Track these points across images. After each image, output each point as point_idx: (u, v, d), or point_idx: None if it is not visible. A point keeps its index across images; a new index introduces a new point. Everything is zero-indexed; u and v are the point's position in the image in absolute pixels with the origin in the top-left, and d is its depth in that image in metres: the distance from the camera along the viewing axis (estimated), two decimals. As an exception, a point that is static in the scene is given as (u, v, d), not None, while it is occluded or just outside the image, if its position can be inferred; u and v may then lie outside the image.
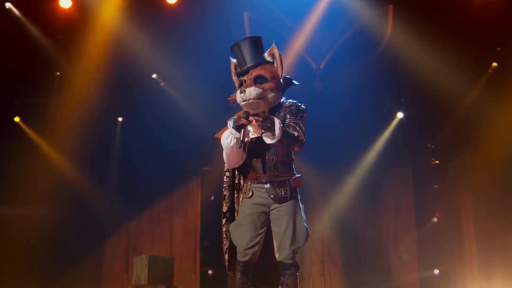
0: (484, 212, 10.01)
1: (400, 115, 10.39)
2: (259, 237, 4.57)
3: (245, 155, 4.62)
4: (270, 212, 4.62)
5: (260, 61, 4.61)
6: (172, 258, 9.24)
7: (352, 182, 10.42)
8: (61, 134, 10.09)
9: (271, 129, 4.35)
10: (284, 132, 4.39)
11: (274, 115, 4.50)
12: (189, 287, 10.32)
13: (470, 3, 8.75)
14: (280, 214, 4.58)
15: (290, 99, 4.74)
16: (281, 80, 4.66)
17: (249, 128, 4.59)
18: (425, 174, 10.58)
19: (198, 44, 9.21)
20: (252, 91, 4.50)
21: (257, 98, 4.51)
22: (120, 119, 10.73)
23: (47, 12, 8.96)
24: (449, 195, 10.45)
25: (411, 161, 10.63)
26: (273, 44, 4.67)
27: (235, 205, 4.77)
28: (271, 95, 4.56)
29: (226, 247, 4.75)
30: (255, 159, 4.61)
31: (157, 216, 10.73)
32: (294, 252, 4.54)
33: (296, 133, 4.50)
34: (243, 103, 4.55)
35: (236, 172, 4.79)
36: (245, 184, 4.69)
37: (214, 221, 9.43)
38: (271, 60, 4.65)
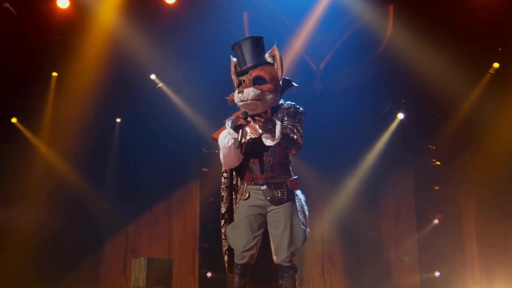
0: (485, 214, 9.98)
1: (400, 116, 10.36)
2: (256, 239, 4.53)
3: (241, 156, 4.59)
4: (267, 214, 4.59)
5: (260, 62, 4.58)
6: (171, 260, 9.18)
7: (352, 183, 10.40)
8: (59, 135, 10.06)
9: (272, 131, 4.33)
10: (284, 135, 4.36)
11: (272, 116, 4.47)
12: (188, 289, 10.30)
13: (471, 3, 8.70)
14: (277, 216, 4.55)
15: (290, 100, 4.71)
16: (280, 82, 4.63)
17: (246, 129, 4.56)
18: (426, 176, 10.55)
19: (197, 45, 9.18)
20: (250, 92, 4.47)
21: (255, 99, 4.48)
22: (118, 120, 10.69)
23: (45, 12, 8.90)
24: (450, 197, 10.43)
25: (412, 162, 10.61)
26: (275, 46, 4.65)
27: (234, 206, 4.74)
28: (269, 96, 4.52)
29: (225, 249, 4.73)
30: (251, 160, 4.58)
31: (155, 218, 10.70)
32: (292, 255, 4.51)
33: (294, 136, 4.47)
34: (241, 103, 4.52)
35: (234, 173, 4.76)
36: (241, 186, 4.66)
37: (213, 223, 9.58)
38: (272, 62, 4.63)
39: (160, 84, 10.09)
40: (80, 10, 8.91)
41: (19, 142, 10.17)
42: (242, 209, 4.59)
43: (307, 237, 4.58)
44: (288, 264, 4.50)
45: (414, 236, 10.42)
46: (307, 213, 4.71)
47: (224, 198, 4.74)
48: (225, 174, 4.76)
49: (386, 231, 10.62)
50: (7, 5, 8.53)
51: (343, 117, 9.66)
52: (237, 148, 4.43)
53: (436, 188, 10.55)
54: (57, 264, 9.89)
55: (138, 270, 8.22)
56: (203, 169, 10.59)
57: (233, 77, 4.73)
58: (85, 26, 9.05)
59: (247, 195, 4.58)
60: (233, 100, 4.63)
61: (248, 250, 4.50)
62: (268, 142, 4.41)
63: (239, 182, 4.72)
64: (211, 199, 10.02)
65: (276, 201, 4.55)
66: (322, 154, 9.70)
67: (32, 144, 10.22)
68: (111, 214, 10.50)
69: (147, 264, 8.14)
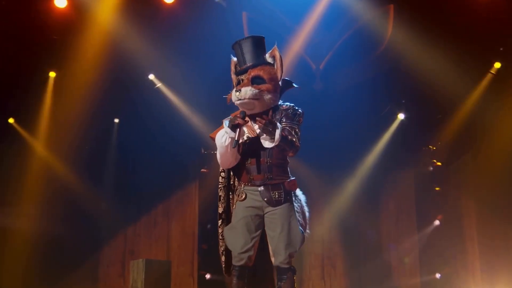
0: (487, 215, 9.95)
1: (401, 116, 10.34)
2: (253, 241, 4.50)
3: (239, 156, 4.56)
4: (264, 215, 4.55)
5: (260, 62, 4.56)
6: (170, 261, 9.06)
7: (353, 184, 10.36)
8: (56, 135, 10.04)
9: (271, 133, 4.32)
10: (282, 137, 4.34)
11: (272, 117, 4.44)
12: (187, 291, 10.27)
13: (472, 2, 8.66)
14: (274, 218, 4.51)
15: (289, 101, 4.69)
16: (279, 82, 4.61)
17: (244, 128, 4.54)
18: (427, 176, 10.53)
19: (196, 44, 9.15)
20: (247, 91, 4.45)
21: (252, 98, 4.46)
22: (116, 120, 10.67)
23: (42, 11, 8.85)
24: (451, 198, 10.41)
25: (412, 162, 10.58)
26: (275, 46, 4.63)
27: (230, 207, 4.71)
28: (267, 96, 4.50)
29: (222, 249, 4.70)
30: (249, 161, 4.55)
31: (154, 219, 10.68)
32: (290, 256, 4.48)
33: (293, 139, 4.45)
34: (238, 102, 4.50)
35: (231, 173, 4.73)
36: (238, 186, 4.63)
37: (212, 224, 9.58)
38: (272, 62, 4.61)
39: (159, 84, 10.06)
40: (77, 9, 8.86)
41: (16, 142, 10.11)
42: (239, 210, 4.56)
43: (305, 239, 4.55)
44: (286, 266, 4.46)
45: (414, 237, 10.40)
46: (307, 214, 4.69)
47: (221, 198, 4.70)
48: (222, 174, 4.72)
49: (386, 232, 10.60)
50: None
51: (343, 117, 9.63)
52: (233, 148, 4.41)
53: (436, 188, 10.54)
54: (55, 265, 9.86)
55: (137, 271, 8.12)
56: (202, 169, 10.55)
57: (233, 76, 4.72)
58: (83, 26, 9.01)
59: (243, 196, 4.55)
60: (231, 100, 4.61)
61: (246, 251, 4.47)
62: (266, 144, 4.42)
63: (236, 182, 4.69)
64: (209, 226, 10.03)
65: (273, 203, 4.51)
66: (322, 154, 9.69)
67: (30, 145, 10.18)
68: (109, 215, 10.47)
69: (146, 265, 8.03)
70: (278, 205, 4.51)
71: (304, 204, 4.68)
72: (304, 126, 4.63)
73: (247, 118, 4.48)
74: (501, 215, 9.75)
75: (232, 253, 4.52)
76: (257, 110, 4.51)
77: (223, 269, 4.73)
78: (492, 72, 9.56)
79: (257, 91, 4.46)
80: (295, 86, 4.75)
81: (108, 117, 10.50)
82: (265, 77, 4.51)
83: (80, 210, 10.14)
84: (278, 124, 4.37)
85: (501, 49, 9.29)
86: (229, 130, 4.42)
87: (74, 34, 9.05)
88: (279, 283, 4.48)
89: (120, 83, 9.70)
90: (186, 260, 10.41)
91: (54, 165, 10.20)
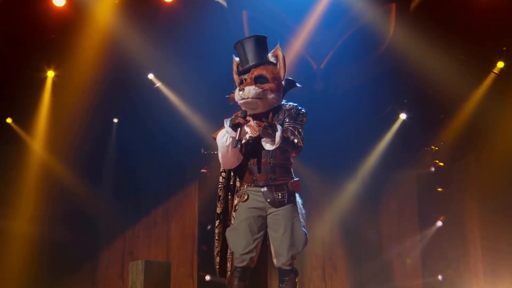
0: (489, 217, 9.91)
1: (403, 116, 10.33)
2: (256, 242, 4.49)
3: (241, 156, 4.55)
4: (267, 216, 4.54)
5: (262, 61, 4.58)
6: (169, 262, 9.08)
7: (354, 184, 10.36)
8: (55, 136, 9.98)
9: (272, 136, 4.33)
10: (284, 138, 4.35)
11: (273, 118, 4.46)
12: (186, 292, 10.26)
13: (476, 1, 8.62)
14: (277, 219, 4.51)
15: (290, 100, 4.68)
16: (282, 82, 4.61)
17: (247, 129, 4.53)
18: (429, 177, 10.52)
19: (196, 44, 9.12)
20: (251, 90, 4.45)
21: (255, 98, 4.46)
22: (115, 120, 10.62)
23: (40, 10, 8.79)
24: (453, 199, 10.40)
25: (414, 163, 10.55)
26: (278, 45, 4.65)
27: (229, 207, 4.70)
28: (270, 96, 4.50)
29: (217, 250, 4.70)
30: (251, 161, 4.53)
31: (153, 220, 10.63)
32: (293, 258, 4.47)
33: (295, 139, 4.42)
34: (241, 101, 4.50)
35: (232, 174, 4.71)
36: (241, 187, 4.62)
37: (212, 225, 9.53)
38: (274, 61, 4.62)
39: (158, 84, 10.03)
40: (76, 8, 8.80)
41: (14, 143, 10.06)
42: (241, 211, 4.55)
43: (308, 240, 4.54)
44: (288, 268, 4.45)
45: (416, 239, 10.39)
46: (304, 216, 4.67)
47: (220, 198, 4.69)
48: (223, 174, 4.71)
49: (387, 233, 10.59)
50: None
51: (344, 117, 9.62)
52: (234, 147, 4.40)
53: (439, 189, 10.53)
54: (54, 267, 9.81)
55: (136, 273, 8.12)
56: (202, 170, 10.53)
57: (235, 76, 4.72)
58: (82, 24, 8.95)
59: (246, 197, 4.54)
60: (234, 100, 4.61)
61: (248, 253, 4.45)
62: (267, 146, 4.43)
63: (237, 183, 4.68)
64: (209, 227, 10.02)
65: (276, 203, 4.50)
66: (323, 154, 9.66)
67: (28, 145, 10.13)
68: (108, 215, 10.44)
69: (145, 266, 8.03)
70: (281, 206, 4.50)
71: (301, 206, 4.68)
72: (305, 126, 4.62)
73: (248, 118, 4.49)
74: (504, 217, 9.71)
75: (234, 254, 4.51)
76: (260, 109, 4.51)
77: (217, 270, 4.73)
78: (495, 71, 9.53)
79: (260, 90, 4.45)
80: (298, 85, 4.75)
81: (107, 117, 10.46)
82: (268, 76, 4.51)
83: (78, 210, 10.10)
84: (278, 126, 4.36)
85: (504, 48, 9.26)
86: (230, 129, 4.42)
87: (72, 33, 9.00)
88: (280, 285, 4.47)
89: (119, 83, 9.67)
90: (185, 261, 10.38)
91: (52, 165, 10.14)
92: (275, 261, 4.50)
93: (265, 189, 4.50)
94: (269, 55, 4.64)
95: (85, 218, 10.22)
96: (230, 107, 4.78)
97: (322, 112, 8.89)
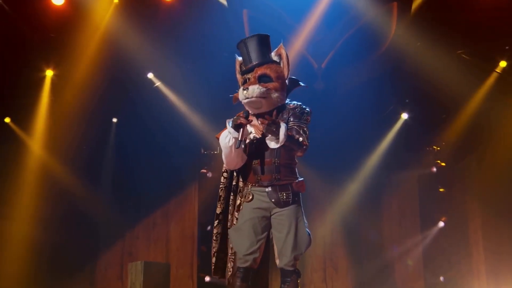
0: (492, 217, 9.88)
1: (404, 116, 10.29)
2: (259, 243, 4.47)
3: (245, 157, 4.53)
4: (271, 216, 4.52)
5: (266, 60, 4.56)
6: (169, 264, 9.09)
7: (355, 185, 10.32)
8: (53, 135, 9.97)
9: (276, 133, 4.31)
10: (288, 136, 4.34)
11: (277, 117, 4.44)
12: (186, 294, 10.24)
13: (478, 0, 8.59)
14: (281, 219, 4.48)
15: (295, 100, 4.66)
16: (286, 81, 4.60)
17: (250, 129, 4.52)
18: (431, 177, 10.48)
19: (196, 43, 9.11)
20: (255, 89, 4.43)
21: (260, 97, 4.44)
22: (114, 120, 10.59)
23: (39, 9, 8.77)
24: (455, 200, 10.36)
25: (416, 163, 10.52)
26: (281, 44, 4.63)
27: (230, 208, 4.68)
28: (275, 95, 4.48)
29: (214, 250, 4.70)
30: (256, 161, 4.51)
31: (152, 221, 10.62)
32: (296, 259, 4.45)
33: (300, 138, 4.41)
34: (245, 100, 4.47)
35: (235, 174, 4.68)
36: (245, 187, 4.60)
37: (212, 226, 9.50)
38: (278, 60, 4.61)
39: (158, 83, 10.00)
40: (75, 6, 8.78)
41: (12, 142, 10.04)
42: (245, 212, 4.52)
43: (311, 241, 4.52)
44: (291, 269, 4.44)
45: (418, 240, 10.36)
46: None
47: (221, 198, 4.68)
48: (225, 174, 4.70)
49: (389, 233, 10.56)
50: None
51: (345, 117, 9.59)
52: (237, 148, 4.38)
53: (441, 190, 10.51)
54: (53, 267, 9.81)
55: (135, 274, 8.10)
56: (202, 170, 10.47)
57: (238, 76, 4.71)
58: (81, 23, 8.92)
59: (250, 197, 4.52)
60: (237, 99, 4.59)
61: (251, 253, 4.43)
62: (272, 144, 4.41)
63: (240, 183, 4.65)
64: (209, 228, 9.98)
65: (281, 204, 4.47)
66: (323, 154, 9.59)
67: (26, 145, 10.11)
68: (107, 216, 10.42)
69: (144, 268, 8.02)
70: (286, 206, 4.48)
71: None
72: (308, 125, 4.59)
73: (251, 118, 4.47)
74: (507, 218, 9.68)
75: (237, 254, 4.50)
76: (264, 109, 4.48)
77: (212, 270, 4.73)
78: (497, 71, 9.49)
79: (264, 89, 4.43)
80: (302, 85, 4.73)
81: (106, 117, 10.44)
82: (272, 75, 4.50)
83: (77, 211, 10.09)
84: (282, 124, 4.34)
85: (507, 47, 9.21)
86: (232, 130, 4.40)
87: (71, 32, 8.97)
88: (282, 285, 4.45)
89: (118, 82, 9.65)
90: (185, 262, 10.37)
91: (51, 165, 10.13)
92: (277, 261, 4.48)
93: (269, 189, 4.48)
94: (272, 54, 4.61)
95: (84, 218, 10.20)
96: (230, 107, 4.75)
97: (323, 112, 8.83)
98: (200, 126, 9.85)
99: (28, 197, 9.92)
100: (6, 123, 10.10)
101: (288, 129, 4.38)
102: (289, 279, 4.43)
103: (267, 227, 4.51)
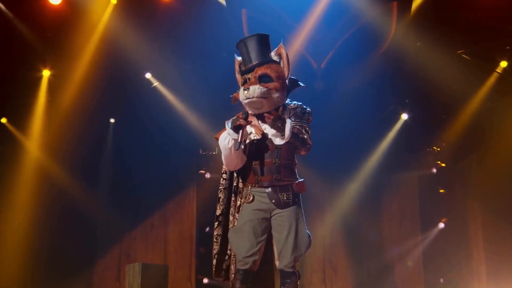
0: (493, 218, 9.89)
1: (404, 116, 10.28)
2: (259, 245, 4.43)
3: (245, 158, 4.50)
4: (271, 217, 4.48)
5: (266, 60, 4.54)
6: (167, 265, 9.07)
7: (354, 185, 10.32)
8: (51, 136, 9.94)
9: (281, 129, 4.31)
10: (293, 134, 4.32)
11: (282, 113, 4.41)
12: (184, 295, 10.21)
13: (478, 0, 8.56)
14: (282, 220, 4.45)
15: (295, 101, 4.64)
16: (286, 81, 4.59)
17: (251, 129, 4.49)
18: (431, 178, 10.50)
19: (195, 43, 9.07)
20: (256, 89, 4.40)
21: (260, 97, 4.41)
22: (112, 120, 10.56)
23: (36, 8, 8.73)
24: (455, 201, 10.38)
25: (416, 164, 10.53)
26: (281, 44, 4.61)
27: (231, 209, 4.64)
28: (275, 95, 4.45)
29: (215, 252, 4.66)
30: (256, 162, 4.47)
31: (150, 222, 10.58)
32: (296, 260, 4.43)
33: (304, 136, 4.41)
34: (246, 101, 4.45)
35: (235, 175, 4.65)
36: (245, 188, 4.56)
37: (210, 227, 9.49)
38: (278, 60, 4.60)
39: (156, 84, 9.97)
40: (72, 6, 8.74)
41: (9, 143, 10.01)
42: (245, 213, 4.48)
43: (311, 243, 4.49)
44: (291, 270, 4.41)
45: (418, 241, 10.36)
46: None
47: (220, 199, 4.65)
48: (224, 175, 4.68)
49: (389, 234, 10.56)
50: None
51: (345, 117, 9.58)
52: (237, 150, 4.34)
53: (441, 191, 10.53)
54: (50, 269, 9.77)
55: (133, 275, 8.09)
56: (200, 171, 10.48)
57: (238, 76, 4.69)
58: (78, 23, 8.89)
59: (251, 198, 4.47)
60: (236, 100, 4.57)
61: (251, 255, 4.39)
62: (277, 140, 4.40)
63: (240, 184, 4.62)
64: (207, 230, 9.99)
65: (281, 205, 4.44)
66: (323, 155, 9.55)
67: (23, 146, 10.08)
68: (105, 217, 10.39)
69: (142, 269, 8.02)
70: (286, 207, 4.46)
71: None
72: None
73: (251, 118, 4.44)
74: (508, 219, 9.68)
75: (237, 256, 4.46)
76: (265, 109, 4.43)
77: (213, 272, 4.70)
78: (498, 71, 9.48)
79: (265, 89, 4.40)
80: (302, 85, 4.70)
81: (104, 117, 10.42)
82: (273, 75, 4.47)
83: (75, 212, 10.05)
84: (287, 119, 4.32)
85: (508, 47, 9.19)
86: (231, 131, 4.37)
87: (68, 31, 8.94)
88: (282, 287, 4.43)
89: (116, 82, 9.62)
90: (183, 264, 10.34)
91: (48, 166, 10.09)
92: (277, 263, 4.45)
93: (269, 189, 4.44)
94: (272, 53, 4.59)
95: (82, 219, 10.17)
96: (230, 107, 4.72)
97: (322, 112, 8.79)
98: (198, 127, 9.83)
99: (25, 199, 9.90)
100: (3, 124, 10.07)
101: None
102: (288, 280, 4.40)
103: (267, 228, 4.47)
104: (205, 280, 10.09)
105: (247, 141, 4.46)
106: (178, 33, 9.00)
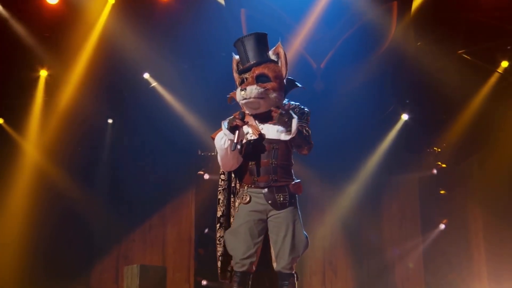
0: (493, 219, 9.89)
1: (405, 116, 10.26)
2: (256, 247, 4.40)
3: (241, 158, 4.46)
4: (268, 219, 4.45)
5: (264, 59, 4.50)
6: (165, 267, 9.04)
7: (354, 186, 10.30)
8: (48, 137, 9.93)
9: (288, 124, 4.30)
10: (299, 131, 4.32)
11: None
12: (183, 297, 10.22)
13: (479, 0, 8.57)
14: (278, 221, 4.42)
15: (291, 101, 4.59)
16: (284, 80, 4.55)
17: (248, 129, 4.44)
18: (431, 179, 10.46)
19: (193, 43, 9.08)
20: (253, 90, 4.36)
21: (258, 97, 4.38)
22: (110, 120, 10.53)
23: (33, 8, 8.75)
24: (456, 202, 10.36)
25: (417, 165, 10.51)
26: (279, 43, 4.58)
27: (231, 210, 4.61)
28: (273, 95, 4.41)
29: (219, 254, 4.61)
30: (252, 162, 4.43)
31: (149, 223, 10.57)
32: (293, 261, 4.41)
33: (307, 134, 4.40)
34: (243, 101, 4.41)
35: (233, 175, 4.62)
36: (241, 188, 4.51)
37: (209, 228, 9.45)
38: (276, 59, 4.56)
39: (154, 84, 9.97)
40: (69, 6, 8.76)
41: (5, 144, 9.96)
42: (241, 214, 4.44)
43: (309, 244, 4.46)
44: (288, 272, 4.38)
45: (419, 242, 10.35)
46: None
47: (220, 201, 4.60)
48: (222, 176, 4.63)
49: (389, 236, 10.54)
50: None
51: (345, 118, 9.57)
52: (233, 150, 4.31)
53: (441, 192, 10.51)
54: (48, 271, 9.75)
55: (131, 277, 8.09)
56: (199, 172, 10.45)
57: (235, 75, 4.65)
58: (75, 23, 8.91)
59: (248, 199, 4.43)
60: (233, 99, 4.55)
61: (248, 257, 4.36)
62: (283, 136, 4.36)
63: (237, 185, 4.58)
64: (206, 231, 10.00)
65: (278, 206, 4.41)
66: (323, 156, 9.52)
67: (20, 146, 10.05)
68: (103, 219, 10.35)
69: (140, 271, 8.00)
70: (283, 208, 4.43)
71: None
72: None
73: (247, 118, 4.41)
74: (508, 220, 9.68)
75: (234, 258, 4.42)
76: (262, 109, 4.42)
77: (219, 274, 4.64)
78: (499, 71, 9.46)
79: (262, 89, 4.36)
80: (299, 85, 4.66)
81: (102, 118, 10.38)
82: (270, 75, 4.43)
83: (73, 214, 10.04)
84: (294, 115, 4.30)
85: (509, 47, 9.20)
86: (227, 132, 4.35)
87: (66, 31, 8.95)
88: None
89: (113, 82, 9.65)
90: (182, 266, 10.33)
91: (45, 167, 10.08)
92: (275, 264, 4.42)
93: (266, 190, 4.40)
94: (270, 53, 4.55)
95: (80, 221, 10.15)
96: (228, 107, 4.67)
97: (322, 112, 8.83)
98: (197, 127, 9.81)
99: (22, 200, 9.88)
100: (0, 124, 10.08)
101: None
102: (287, 282, 4.37)
103: (264, 230, 4.43)
104: (204, 282, 10.05)
105: (244, 141, 4.41)
106: (176, 33, 9.00)
